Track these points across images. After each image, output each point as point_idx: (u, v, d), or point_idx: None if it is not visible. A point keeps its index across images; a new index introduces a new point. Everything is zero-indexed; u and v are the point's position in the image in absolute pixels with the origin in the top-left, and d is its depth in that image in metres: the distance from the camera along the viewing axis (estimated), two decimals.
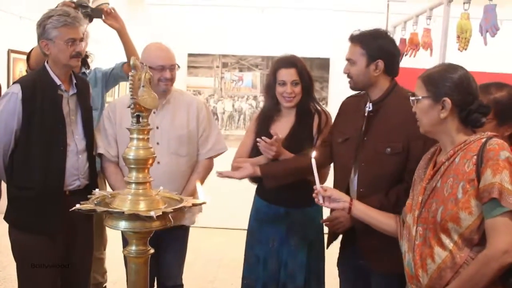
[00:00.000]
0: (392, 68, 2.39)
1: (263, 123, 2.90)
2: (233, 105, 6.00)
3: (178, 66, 2.82)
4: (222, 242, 5.40)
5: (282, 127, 2.84)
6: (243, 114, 5.99)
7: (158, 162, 2.70)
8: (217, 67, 5.96)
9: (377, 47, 2.33)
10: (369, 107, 2.42)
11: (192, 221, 2.97)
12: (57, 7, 2.87)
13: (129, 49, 3.29)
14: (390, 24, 4.94)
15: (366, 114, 2.42)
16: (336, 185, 2.52)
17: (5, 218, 2.69)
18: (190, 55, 5.89)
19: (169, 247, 2.89)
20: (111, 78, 3.57)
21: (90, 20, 3.24)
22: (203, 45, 5.86)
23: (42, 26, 2.57)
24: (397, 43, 4.48)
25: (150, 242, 1.75)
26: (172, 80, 2.79)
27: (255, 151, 2.82)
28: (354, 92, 2.58)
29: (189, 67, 5.88)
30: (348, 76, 2.42)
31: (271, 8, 5.86)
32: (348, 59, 2.40)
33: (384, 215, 2.11)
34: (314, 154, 2.17)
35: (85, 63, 3.53)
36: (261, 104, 5.79)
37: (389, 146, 2.30)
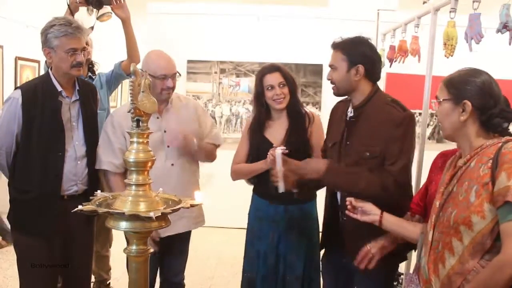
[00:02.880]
0: (372, 73, 2.36)
1: (256, 130, 2.91)
2: (230, 109, 6.00)
3: (179, 74, 2.78)
4: (221, 241, 5.40)
5: (276, 131, 2.87)
6: (240, 117, 5.98)
7: (172, 164, 2.73)
8: (215, 73, 5.95)
9: (357, 53, 2.32)
10: (350, 112, 2.41)
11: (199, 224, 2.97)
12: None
13: (130, 41, 3.27)
14: (380, 31, 4.95)
15: (348, 119, 2.42)
16: (328, 189, 2.53)
17: (8, 218, 2.68)
18: (189, 61, 5.89)
19: (174, 245, 2.89)
20: (112, 79, 3.56)
21: (100, 7, 3.23)
22: (201, 52, 5.87)
23: (45, 35, 2.54)
24: (387, 50, 4.51)
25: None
26: (173, 88, 2.75)
27: (253, 156, 2.90)
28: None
29: (188, 73, 5.88)
30: (332, 82, 2.40)
31: (267, 17, 5.88)
32: (330, 66, 2.39)
33: (412, 224, 2.06)
34: (279, 149, 2.35)
35: (92, 71, 3.53)
36: None
37: (368, 150, 2.27)
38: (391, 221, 2.05)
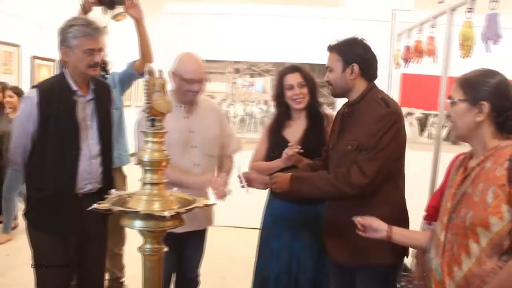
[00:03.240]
0: (368, 72, 2.39)
1: (275, 129, 2.98)
2: (244, 109, 6.01)
3: (206, 80, 2.81)
4: (234, 240, 5.41)
5: (295, 130, 2.92)
6: (254, 118, 5.99)
7: (199, 165, 2.78)
8: (230, 73, 5.97)
9: (351, 53, 2.37)
10: (345, 110, 2.46)
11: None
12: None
13: (143, 41, 3.28)
14: (395, 32, 4.91)
15: (340, 116, 2.48)
16: None
17: (24, 215, 2.71)
18: (203, 61, 5.88)
19: (190, 243, 2.93)
20: (125, 79, 3.57)
21: (113, 7, 3.25)
22: (216, 51, 5.87)
23: (63, 34, 2.56)
24: (402, 50, 4.48)
25: (173, 239, 1.73)
26: (199, 92, 2.79)
27: (270, 155, 2.94)
28: None
29: None
30: (329, 83, 2.44)
31: (281, 17, 5.87)
32: (327, 67, 2.43)
33: (423, 233, 2.06)
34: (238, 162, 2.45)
35: (105, 70, 3.55)
36: (272, 109, 5.82)
37: (350, 144, 2.31)
38: (400, 234, 2.04)
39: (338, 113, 2.65)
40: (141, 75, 3.50)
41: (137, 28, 3.26)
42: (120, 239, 3.81)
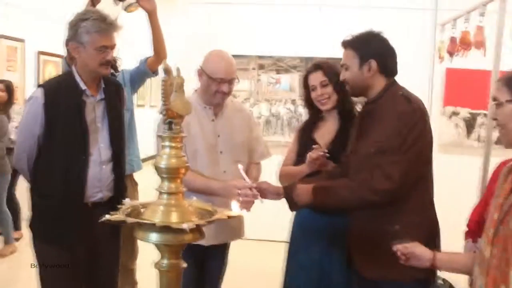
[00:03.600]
0: (386, 68, 2.40)
1: (306, 131, 3.02)
2: (270, 109, 6.01)
3: (238, 80, 2.85)
4: (260, 254, 5.42)
5: (326, 132, 2.94)
6: (280, 119, 5.98)
7: (225, 171, 2.82)
8: (253, 69, 5.98)
9: (368, 48, 2.39)
10: (364, 109, 2.49)
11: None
12: None
13: (157, 35, 3.31)
14: (439, 21, 4.86)
15: (359, 116, 2.50)
16: None
17: (29, 226, 2.75)
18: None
19: (212, 257, 2.96)
20: (137, 77, 3.60)
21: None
22: (238, 45, 5.85)
23: (75, 29, 2.58)
24: (447, 42, 4.43)
25: (194, 253, 1.73)
26: (229, 93, 2.82)
27: (298, 161, 2.96)
28: None
29: None
30: (345, 82, 2.46)
31: (310, 6, 5.85)
32: (342, 65, 2.45)
33: (467, 255, 2.05)
34: (241, 166, 2.48)
35: (114, 68, 3.59)
36: (300, 108, 5.83)
37: (373, 145, 2.30)
38: (444, 260, 2.02)
39: (359, 112, 2.66)
40: (154, 73, 3.53)
41: (149, 22, 3.29)
42: (132, 253, 3.84)
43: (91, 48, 2.57)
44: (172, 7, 6.29)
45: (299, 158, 2.95)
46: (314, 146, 2.77)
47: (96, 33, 2.56)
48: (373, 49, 2.38)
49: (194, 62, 2.94)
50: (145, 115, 7.29)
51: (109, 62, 2.65)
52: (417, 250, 2.04)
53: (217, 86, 2.74)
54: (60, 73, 3.35)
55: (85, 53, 2.60)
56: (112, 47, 2.63)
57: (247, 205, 2.44)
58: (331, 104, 2.88)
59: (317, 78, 2.89)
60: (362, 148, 2.38)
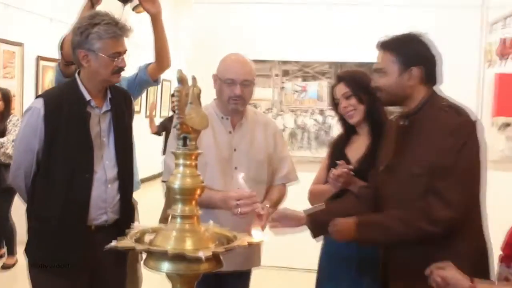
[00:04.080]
0: (430, 76, 2.39)
1: (338, 145, 3.06)
2: (295, 121, 6.00)
3: (254, 83, 2.87)
4: (284, 284, 5.39)
5: (358, 147, 2.96)
6: (307, 131, 5.96)
7: (238, 189, 2.76)
8: (276, 75, 5.98)
9: (410, 52, 2.38)
10: (401, 123, 2.46)
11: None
12: None
13: (160, 40, 3.33)
14: (487, 20, 4.83)
15: (397, 131, 2.47)
16: None
17: (25, 251, 2.76)
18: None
19: (230, 286, 2.98)
20: (135, 85, 3.60)
21: (127, 2, 3.33)
22: (259, 49, 5.87)
23: (85, 35, 2.59)
24: (496, 44, 4.40)
25: (208, 281, 1.76)
26: (243, 98, 2.83)
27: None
28: None
29: None
30: (378, 89, 2.45)
31: (341, 6, 5.83)
32: (377, 70, 2.44)
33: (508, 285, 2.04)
34: (241, 175, 2.41)
35: None
36: (328, 120, 5.82)
37: (418, 165, 2.28)
38: None
39: (388, 125, 2.65)
40: (156, 81, 3.54)
41: (153, 26, 3.32)
42: (136, 282, 3.83)
43: (105, 55, 2.59)
44: (182, 7, 6.34)
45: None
46: (338, 161, 2.78)
47: (110, 39, 2.58)
48: (416, 54, 2.37)
49: (209, 69, 2.97)
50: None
51: (122, 69, 2.68)
52: (452, 275, 2.01)
53: (228, 90, 2.77)
54: (53, 81, 3.37)
55: (96, 61, 2.61)
56: (124, 52, 2.66)
57: (245, 212, 2.52)
58: (358, 116, 2.91)
59: (339, 90, 2.94)
60: (403, 167, 2.36)
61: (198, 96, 1.70)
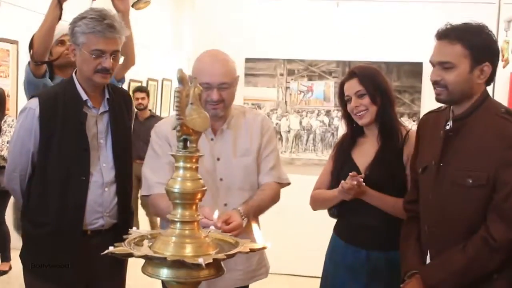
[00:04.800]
0: (493, 74, 2.35)
1: (344, 147, 2.97)
2: (300, 122, 5.99)
3: (234, 85, 2.73)
4: None
5: (366, 151, 2.89)
6: (312, 133, 5.96)
7: (225, 204, 2.68)
8: (281, 75, 5.98)
9: (483, 46, 2.30)
10: (449, 124, 2.39)
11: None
12: None
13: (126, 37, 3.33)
14: (502, 18, 4.82)
15: (443, 134, 2.39)
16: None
17: (20, 256, 2.78)
18: (248, 60, 5.96)
19: None
20: None
21: None
22: (263, 48, 5.90)
23: (72, 28, 2.64)
24: None
25: None
26: (223, 101, 2.68)
27: (334, 180, 2.91)
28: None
29: (246, 75, 5.93)
30: (439, 85, 2.35)
31: (348, 2, 5.84)
32: (441, 63, 2.33)
33: None
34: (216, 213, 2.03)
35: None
36: (335, 121, 5.82)
37: (470, 176, 2.25)
38: None
39: (423, 124, 2.62)
40: (120, 81, 3.53)
41: None
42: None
43: (86, 51, 2.61)
44: (186, 4, 6.34)
45: (334, 179, 2.92)
46: (350, 173, 2.69)
47: (91, 34, 2.59)
48: (488, 48, 2.31)
49: None
50: None
51: (106, 70, 2.64)
52: None
53: (205, 94, 2.57)
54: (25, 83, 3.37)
55: (80, 56, 2.65)
56: (111, 52, 2.63)
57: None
58: (369, 117, 2.83)
59: (352, 87, 2.84)
60: (449, 173, 2.33)
61: (199, 97, 1.71)
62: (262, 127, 2.87)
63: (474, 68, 2.29)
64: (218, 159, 2.74)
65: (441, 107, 2.52)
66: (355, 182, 2.64)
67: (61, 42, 3.47)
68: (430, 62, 2.38)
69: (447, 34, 2.32)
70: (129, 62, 3.38)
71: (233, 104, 2.83)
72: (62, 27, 3.30)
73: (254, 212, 2.65)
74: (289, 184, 2.93)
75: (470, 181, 2.25)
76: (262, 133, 2.85)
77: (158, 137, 2.74)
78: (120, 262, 2.80)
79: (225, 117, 2.77)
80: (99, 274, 2.71)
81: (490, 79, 2.35)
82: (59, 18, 3.06)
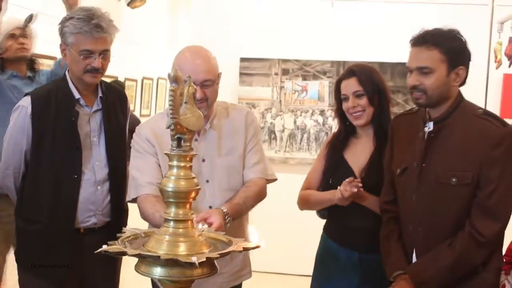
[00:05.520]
0: (466, 77, 2.41)
1: (336, 147, 2.93)
2: (295, 122, 5.99)
3: (216, 83, 2.62)
4: None
5: (359, 152, 2.87)
6: (307, 132, 5.97)
7: (210, 207, 2.57)
8: (276, 74, 5.98)
9: (458, 51, 2.36)
10: (429, 126, 2.43)
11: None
12: None
13: None
14: (496, 19, 4.84)
15: (426, 135, 2.43)
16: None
17: (15, 254, 2.81)
18: (242, 59, 5.96)
19: None
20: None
21: None
22: (258, 47, 5.89)
23: (61, 27, 2.66)
24: (505, 43, 4.40)
25: None
26: (206, 100, 2.57)
27: (325, 180, 2.89)
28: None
29: (241, 74, 5.94)
30: (418, 90, 2.38)
31: (343, 2, 5.84)
32: (419, 68, 2.36)
33: None
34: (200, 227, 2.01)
35: (32, 69, 3.57)
36: (329, 121, 5.82)
37: (455, 175, 2.30)
38: None
39: (397, 126, 2.64)
40: None
41: None
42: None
43: (75, 51, 2.62)
44: (180, 5, 6.33)
45: (328, 180, 2.88)
46: (347, 180, 2.64)
47: (78, 34, 2.60)
48: (462, 52, 2.37)
49: None
50: None
51: (95, 70, 2.64)
52: None
53: None
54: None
55: (70, 56, 2.66)
56: (100, 52, 2.63)
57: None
58: (365, 119, 2.80)
59: (350, 86, 2.80)
60: (432, 174, 2.38)
61: (193, 96, 1.71)
62: (246, 122, 2.77)
63: (450, 72, 2.35)
64: (203, 160, 2.64)
65: (412, 109, 2.60)
66: (355, 190, 2.61)
67: (11, 36, 3.44)
68: (407, 67, 2.42)
69: (424, 40, 2.37)
70: None
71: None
72: (13, 20, 3.30)
73: (239, 211, 2.57)
74: (275, 180, 2.83)
75: (455, 180, 2.30)
76: (247, 127, 2.76)
77: (141, 139, 2.63)
78: (114, 260, 2.80)
79: (208, 116, 2.65)
80: (92, 272, 2.71)
81: (464, 82, 2.41)
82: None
